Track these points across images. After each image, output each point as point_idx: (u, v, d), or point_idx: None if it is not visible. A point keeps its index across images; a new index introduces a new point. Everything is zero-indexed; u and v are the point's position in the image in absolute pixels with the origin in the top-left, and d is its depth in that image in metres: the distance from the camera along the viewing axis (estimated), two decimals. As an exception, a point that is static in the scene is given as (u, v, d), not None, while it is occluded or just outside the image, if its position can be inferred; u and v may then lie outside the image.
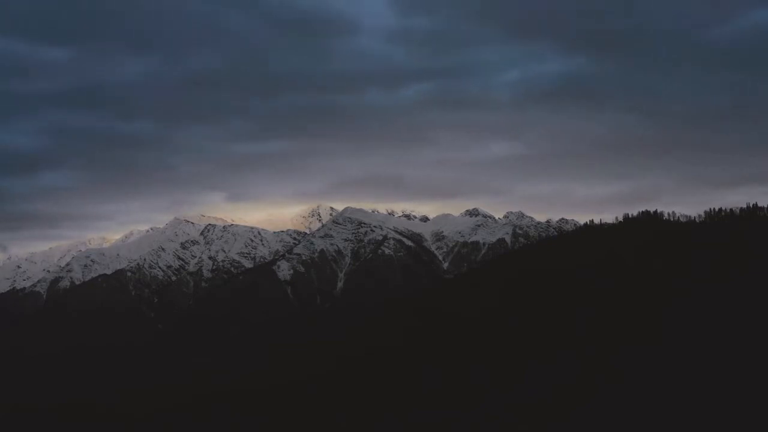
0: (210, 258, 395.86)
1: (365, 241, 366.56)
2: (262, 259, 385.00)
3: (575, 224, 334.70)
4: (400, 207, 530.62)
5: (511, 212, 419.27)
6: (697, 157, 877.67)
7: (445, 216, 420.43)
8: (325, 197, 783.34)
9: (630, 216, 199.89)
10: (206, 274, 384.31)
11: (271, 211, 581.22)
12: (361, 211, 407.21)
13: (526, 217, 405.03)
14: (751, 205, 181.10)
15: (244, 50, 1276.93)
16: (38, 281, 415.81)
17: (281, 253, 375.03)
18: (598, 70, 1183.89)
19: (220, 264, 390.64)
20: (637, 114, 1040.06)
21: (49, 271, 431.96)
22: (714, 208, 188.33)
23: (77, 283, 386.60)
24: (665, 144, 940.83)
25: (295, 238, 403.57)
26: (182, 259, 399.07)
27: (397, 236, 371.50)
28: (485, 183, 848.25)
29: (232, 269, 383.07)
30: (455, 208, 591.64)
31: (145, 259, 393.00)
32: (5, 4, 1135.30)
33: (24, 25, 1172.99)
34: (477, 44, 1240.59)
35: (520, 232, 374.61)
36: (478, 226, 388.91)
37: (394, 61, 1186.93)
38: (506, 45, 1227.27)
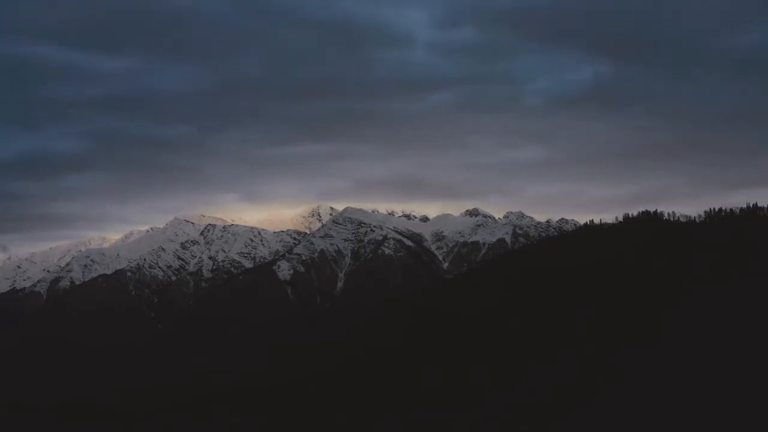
0: (210, 258, 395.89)
1: (365, 241, 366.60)
2: (262, 259, 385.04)
3: (575, 224, 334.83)
4: (409, 207, 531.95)
5: (511, 212, 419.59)
6: (714, 159, 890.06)
7: (445, 216, 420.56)
8: (348, 198, 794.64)
9: (630, 216, 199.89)
10: (206, 274, 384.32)
11: (271, 212, 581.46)
12: (361, 211, 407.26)
13: (526, 217, 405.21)
14: (751, 205, 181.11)
15: (282, 57, 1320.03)
16: (38, 281, 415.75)
17: (281, 253, 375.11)
18: (621, 76, 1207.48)
19: (220, 264, 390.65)
20: (660, 118, 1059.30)
21: (49, 271, 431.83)
22: (714, 208, 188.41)
23: (77, 283, 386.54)
24: (684, 147, 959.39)
25: (295, 238, 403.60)
26: (182, 259, 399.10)
27: (397, 236, 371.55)
28: (509, 185, 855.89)
29: (232, 269, 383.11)
30: (455, 208, 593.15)
31: (145, 259, 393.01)
32: (62, 17, 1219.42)
33: (80, 34, 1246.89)
34: (509, 54, 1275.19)
35: (520, 232, 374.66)
36: (478, 226, 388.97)
37: (428, 69, 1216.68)
38: (536, 54, 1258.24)
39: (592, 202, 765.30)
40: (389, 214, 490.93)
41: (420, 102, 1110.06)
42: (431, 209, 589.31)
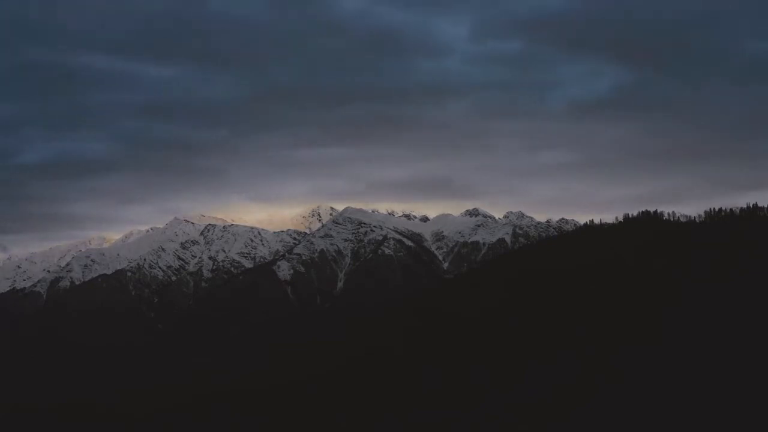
0: (210, 258, 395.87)
1: (365, 241, 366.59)
2: (262, 259, 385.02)
3: (575, 224, 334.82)
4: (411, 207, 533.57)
5: (511, 212, 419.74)
6: (730, 162, 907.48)
7: (445, 216, 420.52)
8: (368, 199, 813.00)
9: (630, 216, 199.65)
10: (206, 274, 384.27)
11: (272, 212, 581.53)
12: (361, 211, 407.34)
13: (526, 217, 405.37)
14: (751, 205, 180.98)
15: (316, 65, 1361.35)
16: (38, 281, 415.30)
17: (281, 253, 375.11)
18: (640, 82, 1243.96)
19: (220, 264, 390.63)
20: (679, 122, 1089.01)
21: (49, 271, 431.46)
22: (714, 208, 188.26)
23: (77, 283, 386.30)
24: (701, 150, 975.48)
25: (295, 238, 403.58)
26: (182, 259, 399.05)
27: (397, 236, 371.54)
28: (527, 187, 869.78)
29: (232, 269, 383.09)
30: (455, 208, 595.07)
31: (145, 259, 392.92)
32: (108, 29, 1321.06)
33: (124, 45, 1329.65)
34: (536, 62, 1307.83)
35: (520, 232, 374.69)
36: (478, 226, 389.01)
37: (458, 76, 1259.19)
38: (560, 61, 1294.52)
39: (605, 202, 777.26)
40: (389, 214, 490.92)
41: (448, 107, 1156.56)
42: (435, 210, 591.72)
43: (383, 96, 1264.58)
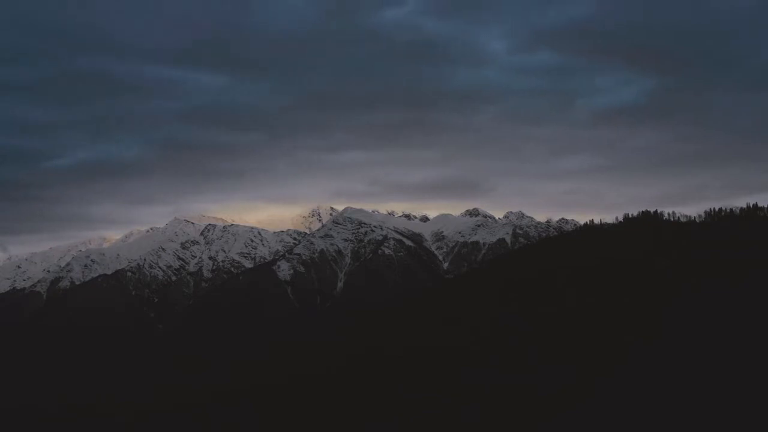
0: (210, 258, 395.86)
1: (365, 241, 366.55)
2: (262, 259, 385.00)
3: (575, 224, 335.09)
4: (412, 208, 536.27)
5: (511, 212, 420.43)
6: (746, 165, 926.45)
7: (445, 216, 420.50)
8: (386, 199, 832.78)
9: (630, 216, 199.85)
10: (206, 274, 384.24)
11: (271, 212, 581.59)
12: (361, 211, 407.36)
13: (526, 217, 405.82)
14: (751, 205, 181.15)
15: (353, 71, 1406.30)
16: (38, 281, 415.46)
17: (281, 253, 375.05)
18: (663, 89, 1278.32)
19: (220, 264, 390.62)
20: (700, 129, 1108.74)
21: (49, 271, 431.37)
22: (714, 208, 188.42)
23: (77, 283, 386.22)
24: (720, 154, 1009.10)
25: (295, 238, 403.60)
26: (182, 259, 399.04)
27: (397, 236, 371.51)
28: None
29: (232, 269, 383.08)
30: (455, 208, 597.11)
31: (145, 259, 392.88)
32: (154, 39, 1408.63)
33: (170, 54, 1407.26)
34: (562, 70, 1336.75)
35: (520, 232, 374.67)
36: (478, 226, 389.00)
37: (491, 83, 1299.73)
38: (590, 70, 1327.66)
39: (623, 202, 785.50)
40: (389, 214, 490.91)
41: (479, 113, 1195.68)
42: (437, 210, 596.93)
43: (415, 102, 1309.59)
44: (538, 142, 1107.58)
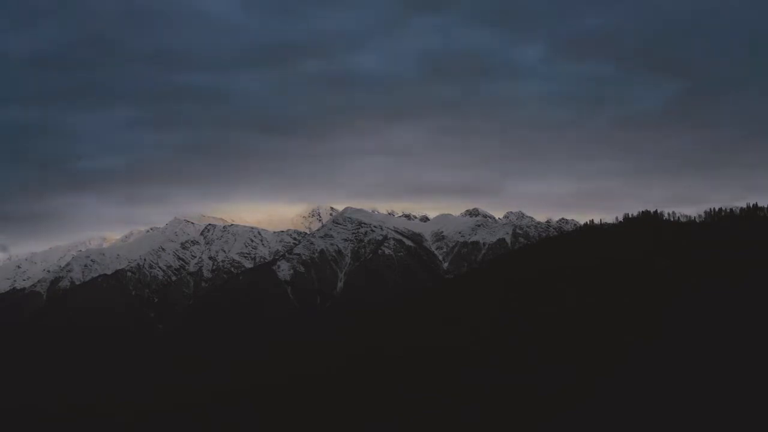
0: (210, 258, 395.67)
1: (365, 241, 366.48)
2: (262, 259, 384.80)
3: (575, 224, 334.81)
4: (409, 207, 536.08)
5: (511, 212, 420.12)
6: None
7: (445, 216, 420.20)
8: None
9: (630, 216, 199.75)
10: (206, 274, 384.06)
11: (270, 212, 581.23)
12: (361, 211, 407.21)
13: (526, 217, 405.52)
14: (751, 205, 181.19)
15: (389, 86, 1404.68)
16: (38, 281, 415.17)
17: (281, 253, 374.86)
18: (685, 94, 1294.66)
19: (220, 264, 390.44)
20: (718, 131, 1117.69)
21: (49, 271, 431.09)
22: (714, 208, 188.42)
23: (77, 283, 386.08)
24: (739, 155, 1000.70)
25: (295, 238, 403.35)
26: (182, 259, 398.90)
27: (397, 236, 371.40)
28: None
29: (232, 269, 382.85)
30: (455, 208, 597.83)
31: (145, 259, 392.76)
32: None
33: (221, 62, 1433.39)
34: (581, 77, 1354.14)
35: (520, 232, 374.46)
36: (478, 226, 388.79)
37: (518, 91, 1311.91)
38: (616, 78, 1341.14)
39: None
40: (389, 214, 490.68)
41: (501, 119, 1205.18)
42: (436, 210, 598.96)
43: (447, 110, 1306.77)
44: (561, 146, 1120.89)
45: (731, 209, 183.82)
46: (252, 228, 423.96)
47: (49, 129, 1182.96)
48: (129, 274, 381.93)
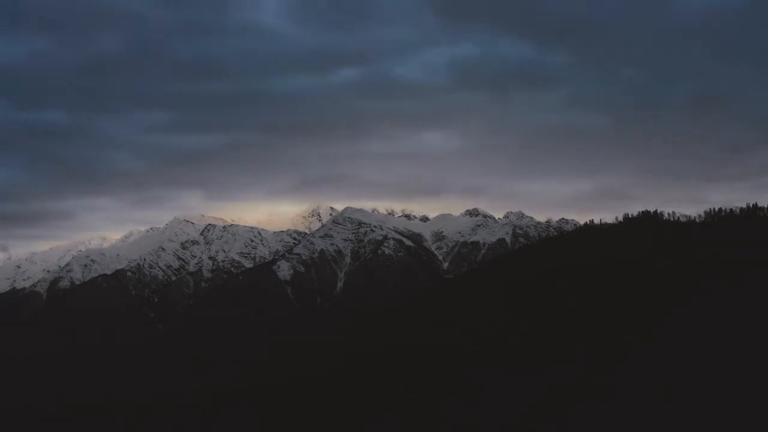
0: (210, 258, 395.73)
1: (365, 241, 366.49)
2: (262, 259, 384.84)
3: (575, 224, 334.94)
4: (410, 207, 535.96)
5: (511, 212, 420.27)
6: None
7: (445, 216, 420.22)
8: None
9: (630, 216, 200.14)
10: (206, 274, 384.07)
11: (271, 211, 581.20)
12: (361, 211, 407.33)
13: (526, 217, 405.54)
14: (751, 205, 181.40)
15: (417, 95, 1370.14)
16: (38, 281, 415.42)
17: (281, 253, 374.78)
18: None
19: (220, 264, 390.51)
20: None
21: (49, 271, 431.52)
22: (714, 208, 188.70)
23: (77, 283, 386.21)
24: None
25: (295, 238, 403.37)
26: (182, 259, 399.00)
27: (397, 236, 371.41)
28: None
29: (232, 269, 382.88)
30: (455, 208, 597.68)
31: (145, 259, 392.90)
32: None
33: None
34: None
35: (520, 232, 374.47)
36: (478, 226, 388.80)
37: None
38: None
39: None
40: (389, 214, 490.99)
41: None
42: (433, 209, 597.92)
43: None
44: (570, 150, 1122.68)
45: (731, 209, 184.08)
46: (252, 228, 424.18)
47: (74, 133, 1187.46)
48: (129, 274, 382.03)
